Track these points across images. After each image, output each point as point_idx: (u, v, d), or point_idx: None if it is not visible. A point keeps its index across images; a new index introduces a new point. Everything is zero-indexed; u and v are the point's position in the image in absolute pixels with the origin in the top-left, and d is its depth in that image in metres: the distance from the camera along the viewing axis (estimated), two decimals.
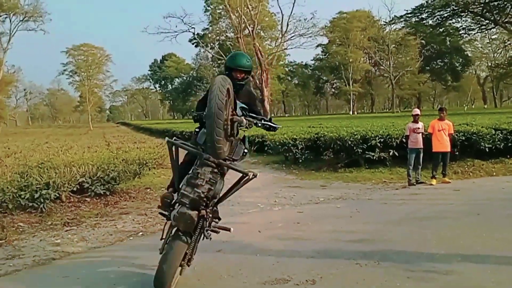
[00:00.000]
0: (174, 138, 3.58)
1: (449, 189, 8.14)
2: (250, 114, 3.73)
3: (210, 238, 3.49)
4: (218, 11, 48.16)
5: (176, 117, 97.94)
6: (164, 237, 3.54)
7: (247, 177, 3.40)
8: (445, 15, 46.08)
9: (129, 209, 6.95)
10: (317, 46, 72.01)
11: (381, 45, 61.18)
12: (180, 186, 3.34)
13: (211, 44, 56.69)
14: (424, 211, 6.29)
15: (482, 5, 42.34)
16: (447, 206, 6.65)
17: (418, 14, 47.17)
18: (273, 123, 3.77)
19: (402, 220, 5.78)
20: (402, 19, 50.36)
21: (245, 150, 3.62)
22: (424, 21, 47.94)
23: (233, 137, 3.46)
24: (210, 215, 3.48)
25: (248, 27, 39.78)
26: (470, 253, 4.16)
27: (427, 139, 8.96)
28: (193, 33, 46.62)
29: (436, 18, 46.90)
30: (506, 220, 5.54)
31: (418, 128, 8.86)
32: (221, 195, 3.58)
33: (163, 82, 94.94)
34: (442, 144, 8.79)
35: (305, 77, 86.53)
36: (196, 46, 61.47)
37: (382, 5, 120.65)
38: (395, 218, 5.86)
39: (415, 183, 8.71)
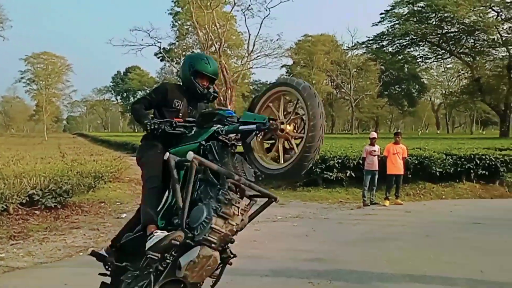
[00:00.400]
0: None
1: (401, 211, 8.44)
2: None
3: None
4: (185, 27, 48.13)
5: (136, 130, 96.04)
6: None
7: (273, 201, 2.71)
8: (404, 43, 48.23)
9: (81, 224, 6.71)
10: (282, 66, 73.15)
11: (343, 69, 63.18)
12: (198, 221, 2.37)
13: (177, 59, 56.38)
14: (377, 232, 6.47)
15: (439, 35, 44.72)
16: (398, 227, 6.87)
17: (379, 41, 49.08)
18: None
19: (356, 240, 5.92)
20: (363, 45, 52.22)
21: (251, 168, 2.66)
22: (385, 48, 49.92)
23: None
24: (231, 256, 2.68)
25: (215, 44, 39.97)
26: (418, 274, 4.32)
27: (382, 161, 9.29)
28: (159, 47, 46.32)
29: (395, 46, 48.96)
30: (453, 242, 5.80)
31: (374, 150, 9.16)
32: None
33: (125, 94, 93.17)
34: (396, 167, 9.14)
35: None
36: (161, 60, 60.96)
37: (346, 31, 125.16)
38: (349, 238, 6.00)
39: (369, 204, 8.97)
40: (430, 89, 70.20)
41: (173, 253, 2.41)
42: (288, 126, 2.39)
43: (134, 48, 40.71)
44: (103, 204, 8.33)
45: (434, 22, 43.57)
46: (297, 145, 2.38)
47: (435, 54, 49.17)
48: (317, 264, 4.68)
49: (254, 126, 2.40)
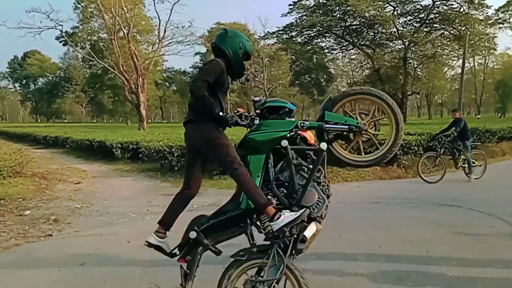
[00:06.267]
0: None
1: None
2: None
3: None
4: (89, 9, 45.05)
5: (39, 120, 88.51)
6: None
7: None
8: (312, 34, 50.35)
9: None
10: (195, 54, 72.49)
11: (256, 58, 64.21)
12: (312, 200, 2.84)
13: (82, 43, 52.79)
14: None
15: (343, 28, 47.43)
16: None
17: (289, 32, 50.64)
18: None
19: None
20: (274, 35, 53.52)
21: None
22: (294, 39, 51.67)
23: None
24: None
25: (123, 29, 38.10)
26: (324, 252, 4.65)
27: None
28: (61, 31, 42.90)
29: (304, 36, 50.91)
30: (354, 221, 6.33)
31: None
32: None
33: (24, 81, 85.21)
34: None
35: (183, 84, 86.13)
36: (64, 45, 56.55)
37: (257, 20, 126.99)
38: None
39: None
40: (337, 78, 74.59)
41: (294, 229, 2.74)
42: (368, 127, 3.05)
43: (32, 31, 37.23)
44: (2, 201, 7.64)
45: (338, 15, 46.07)
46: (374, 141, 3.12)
47: (340, 46, 52.19)
48: (232, 250, 4.80)
49: (347, 127, 2.97)
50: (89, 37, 51.49)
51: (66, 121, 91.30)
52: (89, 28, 48.65)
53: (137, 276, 3.95)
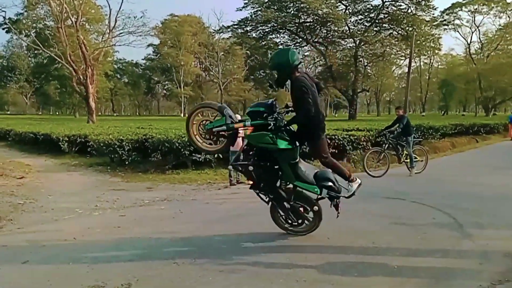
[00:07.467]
0: None
1: None
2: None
3: None
4: None
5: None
6: None
7: None
8: (267, 30, 50.72)
9: None
10: (148, 45, 70.79)
11: (211, 51, 63.85)
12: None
13: (26, 31, 49.91)
14: (241, 209, 6.85)
15: (297, 24, 48.14)
16: (260, 203, 7.35)
17: (244, 26, 50.69)
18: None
19: (221, 218, 6.18)
20: (229, 29, 53.37)
21: None
22: (249, 34, 51.80)
23: None
24: None
25: (71, 17, 36.44)
26: (275, 244, 4.74)
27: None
28: (4, 17, 40.37)
29: (259, 32, 51.18)
30: None
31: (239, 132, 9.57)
32: None
33: None
34: None
35: (135, 76, 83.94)
36: (7, 32, 53.20)
37: (212, 13, 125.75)
38: (214, 217, 6.23)
39: (235, 183, 9.39)
40: None
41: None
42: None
43: None
44: None
45: (292, 12, 46.71)
46: None
47: (294, 42, 52.96)
48: (182, 245, 4.78)
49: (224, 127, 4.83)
50: (34, 25, 48.88)
51: (9, 112, 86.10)
52: (34, 15, 46.16)
53: (83, 273, 3.83)
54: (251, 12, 48.53)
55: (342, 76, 49.60)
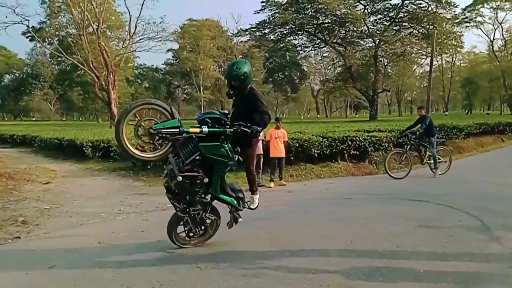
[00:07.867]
0: None
1: (284, 191, 9.01)
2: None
3: None
4: (57, 4, 43.62)
5: (6, 119, 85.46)
6: None
7: None
8: (285, 32, 50.59)
9: None
10: (168, 50, 71.57)
11: (229, 54, 64.00)
12: None
13: (49, 39, 51.15)
14: (261, 212, 6.82)
15: (315, 26, 47.87)
16: (281, 206, 7.36)
17: (262, 29, 50.68)
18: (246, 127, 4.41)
19: (242, 221, 6.15)
20: (247, 33, 53.46)
21: None
22: (267, 36, 51.78)
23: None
24: None
25: (93, 24, 37.17)
26: (297, 248, 4.71)
27: (266, 145, 9.78)
28: (28, 26, 41.43)
29: (277, 34, 51.08)
30: (327, 216, 6.42)
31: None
32: None
33: None
34: (278, 150, 9.71)
35: (155, 81, 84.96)
36: (31, 41, 54.70)
37: (230, 16, 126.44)
38: None
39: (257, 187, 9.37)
40: (309, 76, 75.16)
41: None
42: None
43: None
44: None
45: (310, 13, 46.46)
46: None
47: (312, 43, 52.70)
48: (204, 249, 4.80)
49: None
50: (57, 33, 50.01)
51: (34, 119, 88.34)
52: (56, 23, 47.21)
53: (108, 278, 3.89)
54: (268, 15, 48.52)
55: (362, 76, 49.02)
